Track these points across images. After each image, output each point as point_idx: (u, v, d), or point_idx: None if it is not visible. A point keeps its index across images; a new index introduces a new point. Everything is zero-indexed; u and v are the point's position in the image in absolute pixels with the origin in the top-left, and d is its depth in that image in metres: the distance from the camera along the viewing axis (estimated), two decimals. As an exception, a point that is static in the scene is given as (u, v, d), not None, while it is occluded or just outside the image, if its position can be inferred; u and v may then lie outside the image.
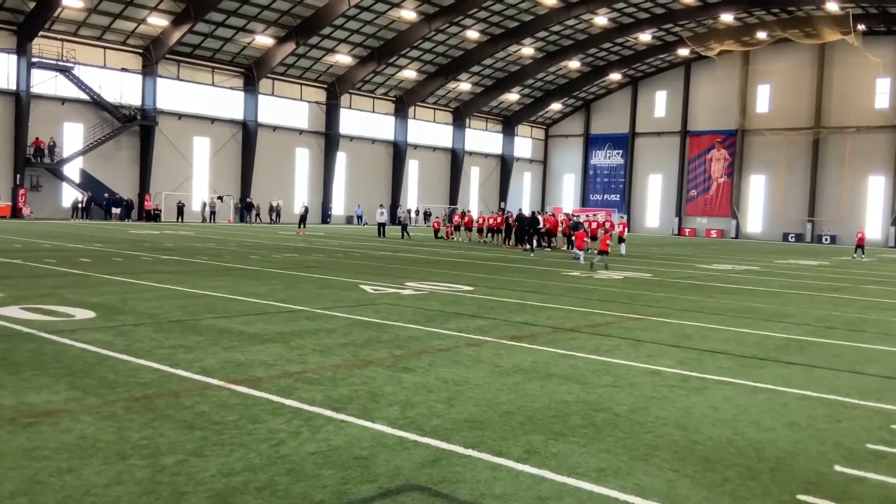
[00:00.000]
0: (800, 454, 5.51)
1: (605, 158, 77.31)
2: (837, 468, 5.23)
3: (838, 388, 7.78)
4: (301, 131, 60.39)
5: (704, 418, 6.36)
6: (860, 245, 38.57)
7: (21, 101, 44.82)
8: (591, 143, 78.31)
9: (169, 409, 5.95)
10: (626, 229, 34.08)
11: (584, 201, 77.49)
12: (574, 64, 66.75)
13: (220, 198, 54.64)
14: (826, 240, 62.20)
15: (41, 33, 44.64)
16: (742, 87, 67.71)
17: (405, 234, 40.61)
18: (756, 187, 68.43)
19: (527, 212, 39.89)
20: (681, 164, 71.90)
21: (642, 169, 74.79)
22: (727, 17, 57.32)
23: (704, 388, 7.53)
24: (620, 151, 76.10)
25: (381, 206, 44.50)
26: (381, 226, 40.41)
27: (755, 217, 68.66)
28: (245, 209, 55.36)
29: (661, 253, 30.84)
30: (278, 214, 57.08)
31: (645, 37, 62.53)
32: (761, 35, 59.74)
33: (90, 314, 10.35)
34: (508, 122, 76.59)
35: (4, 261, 17.94)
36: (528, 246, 32.87)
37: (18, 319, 9.68)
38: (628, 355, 9.03)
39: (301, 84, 59.77)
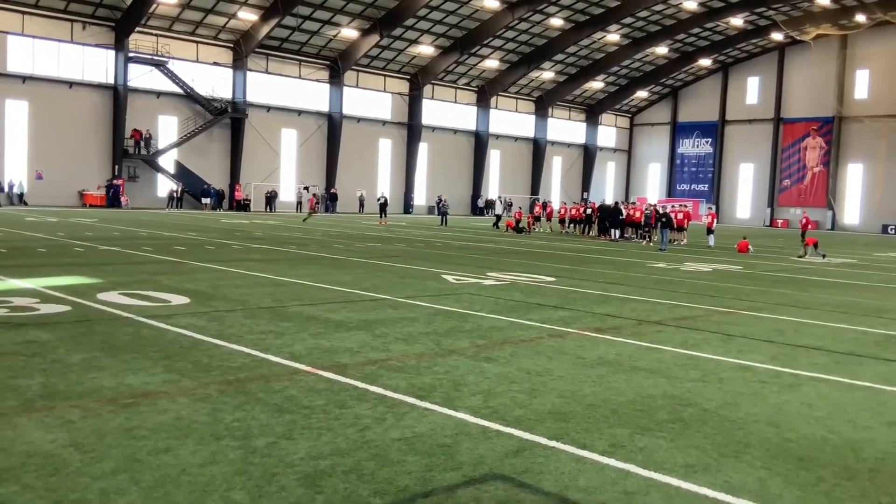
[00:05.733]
0: (901, 456, 5.26)
1: (693, 147, 75.32)
2: (943, 472, 4.97)
3: (944, 387, 7.39)
4: (384, 122, 61.03)
5: (798, 416, 6.15)
6: (804, 232, 31.33)
7: (119, 95, 46.82)
8: (679, 131, 76.42)
9: (260, 392, 6.13)
10: (716, 220, 33.10)
11: (671, 191, 75.77)
12: (661, 50, 65.18)
13: (306, 188, 55.81)
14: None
15: (137, 29, 46.47)
16: (839, 72, 64.80)
17: (444, 221, 42.15)
18: (854, 177, 65.48)
19: (610, 202, 39.35)
20: (773, 152, 69.41)
21: (732, 158, 72.54)
22: (823, 0, 54.89)
23: (798, 384, 7.28)
24: (709, 140, 74.00)
25: (500, 197, 45.24)
26: (498, 217, 40.68)
27: (852, 208, 65.72)
28: (330, 200, 56.36)
29: (753, 244, 29.86)
30: (362, 205, 57.92)
31: (736, 21, 60.52)
32: (860, 18, 56.92)
33: (185, 300, 10.75)
34: (592, 111, 75.45)
35: (105, 248, 18.81)
36: (612, 236, 32.44)
37: (118, 304, 10.13)
38: (717, 350, 8.79)
39: (384, 76, 60.37)
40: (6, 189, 43.78)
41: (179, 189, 49.82)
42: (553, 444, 5.14)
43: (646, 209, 33.91)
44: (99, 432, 4.99)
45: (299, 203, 55.22)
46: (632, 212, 34.22)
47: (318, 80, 56.58)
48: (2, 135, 43.90)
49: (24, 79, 44.09)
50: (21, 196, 44.12)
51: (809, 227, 31.14)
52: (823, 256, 25.99)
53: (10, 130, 44.28)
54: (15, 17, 43.40)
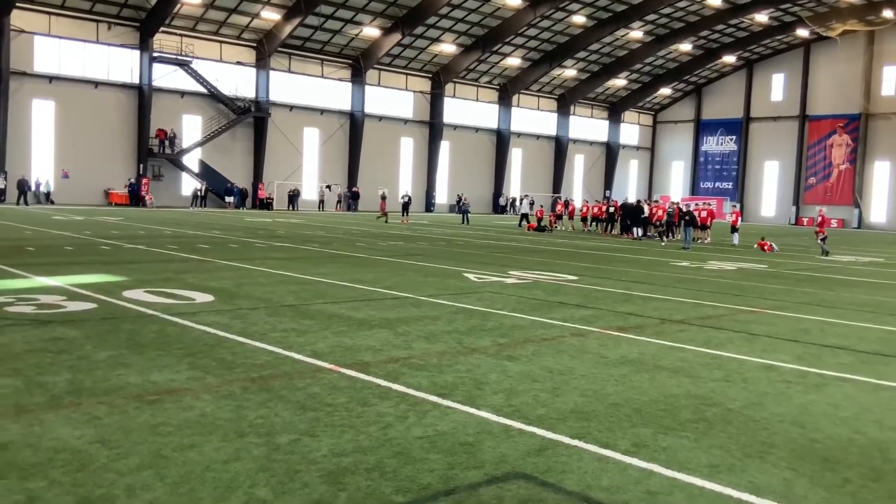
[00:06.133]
0: (930, 457, 5.19)
1: (717, 145, 74.67)
2: (973, 474, 4.89)
3: (973, 388, 7.28)
4: (406, 121, 61.11)
5: (823, 416, 6.08)
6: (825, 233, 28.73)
7: (144, 95, 47.28)
8: (703, 128, 75.79)
9: (283, 389, 6.17)
10: (740, 218, 32.78)
11: (694, 189, 75.17)
12: (685, 47, 64.70)
13: (328, 187, 56.04)
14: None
15: (161, 29, 46.91)
16: (866, 68, 63.93)
17: (465, 219, 42.01)
18: (881, 174, 64.58)
19: (632, 200, 39.15)
20: (799, 150, 68.64)
21: (757, 155, 71.83)
22: (851, -5, 54.22)
23: (823, 384, 7.20)
24: (734, 137, 73.33)
25: (526, 196, 45.10)
26: (524, 216, 40.00)
27: (879, 206, 64.82)
28: (352, 198, 56.54)
29: (778, 243, 29.59)
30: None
31: (761, 17, 59.91)
32: (887, 13, 56.15)
33: (209, 298, 10.84)
34: (614, 109, 75.05)
35: (130, 246, 19.00)
36: (634, 235, 32.27)
37: (143, 302, 10.23)
38: (741, 349, 8.72)
39: (406, 74, 60.44)
40: (33, 188, 44.36)
41: (203, 188, 50.21)
42: (575, 443, 5.13)
43: (669, 207, 33.69)
44: (125, 428, 5.05)
45: (321, 202, 55.46)
46: (654, 210, 34.00)
47: (340, 79, 56.77)
48: (29, 134, 44.50)
49: (51, 79, 44.66)
50: (48, 195, 44.70)
51: (832, 223, 30.94)
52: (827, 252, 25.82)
53: (37, 130, 44.90)
54: (41, 18, 43.97)
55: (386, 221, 39.17)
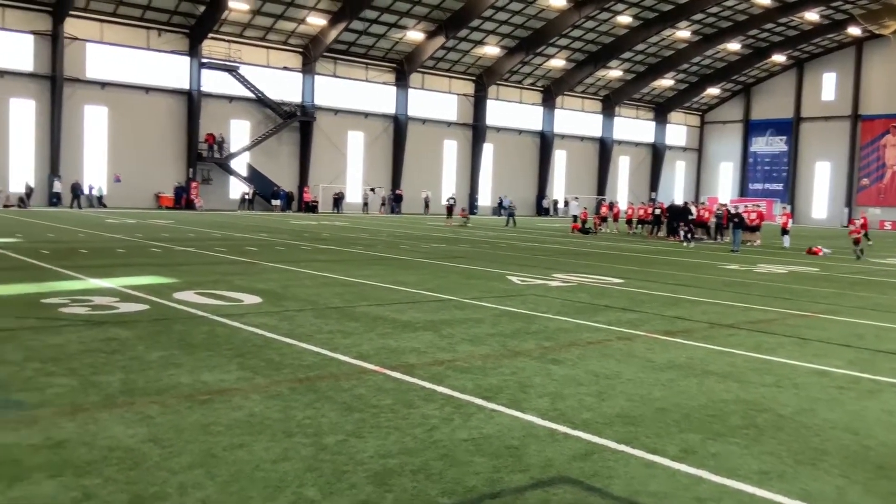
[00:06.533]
0: None
1: (767, 145, 73.27)
2: None
3: None
4: (449, 124, 61.19)
5: (878, 423, 5.94)
6: (867, 232, 27.48)
7: (193, 100, 48.15)
8: (752, 129, 74.45)
9: (330, 390, 6.23)
10: (790, 221, 32.13)
11: (743, 191, 73.88)
12: (733, 46, 63.64)
13: (372, 190, 56.40)
14: None
15: (210, 35, 47.72)
16: (922, 66, 62.22)
17: (511, 221, 41.83)
18: (938, 175, 62.82)
19: (679, 202, 38.61)
20: (851, 150, 67.06)
21: (808, 156, 70.32)
22: (906, -9, 52.79)
23: (878, 390, 7.03)
24: (784, 138, 71.90)
25: (577, 198, 44.75)
26: (575, 218, 39.50)
27: (936, 207, 63.05)
28: (395, 200, 56.80)
29: (829, 246, 28.95)
30: (427, 205, 58.24)
31: (811, 16, 58.67)
32: (946, 9, 54.55)
33: (257, 300, 10.99)
34: (660, 110, 74.15)
35: (180, 249, 19.37)
36: (680, 237, 31.81)
37: (193, 303, 10.42)
38: (792, 354, 8.55)
39: (450, 77, 60.55)
40: (86, 192, 45.47)
41: (252, 192, 50.96)
42: (622, 447, 5.09)
43: (717, 209, 33.21)
44: (177, 428, 5.15)
45: (365, 204, 55.86)
46: (702, 212, 33.53)
47: (384, 83, 57.10)
48: (82, 139, 45.63)
49: (103, 85, 45.74)
50: (100, 198, 45.78)
51: (884, 226, 30.17)
52: (858, 256, 25.11)
53: (90, 135, 45.99)
54: (94, 26, 45.08)
55: (465, 225, 39.38)
